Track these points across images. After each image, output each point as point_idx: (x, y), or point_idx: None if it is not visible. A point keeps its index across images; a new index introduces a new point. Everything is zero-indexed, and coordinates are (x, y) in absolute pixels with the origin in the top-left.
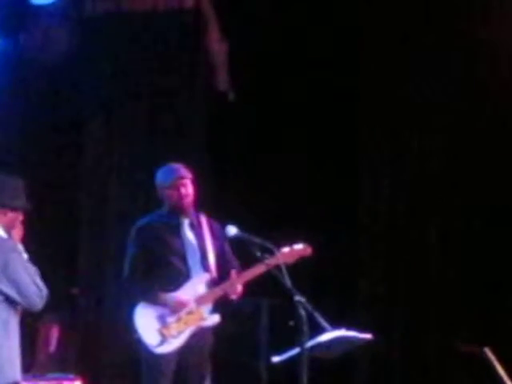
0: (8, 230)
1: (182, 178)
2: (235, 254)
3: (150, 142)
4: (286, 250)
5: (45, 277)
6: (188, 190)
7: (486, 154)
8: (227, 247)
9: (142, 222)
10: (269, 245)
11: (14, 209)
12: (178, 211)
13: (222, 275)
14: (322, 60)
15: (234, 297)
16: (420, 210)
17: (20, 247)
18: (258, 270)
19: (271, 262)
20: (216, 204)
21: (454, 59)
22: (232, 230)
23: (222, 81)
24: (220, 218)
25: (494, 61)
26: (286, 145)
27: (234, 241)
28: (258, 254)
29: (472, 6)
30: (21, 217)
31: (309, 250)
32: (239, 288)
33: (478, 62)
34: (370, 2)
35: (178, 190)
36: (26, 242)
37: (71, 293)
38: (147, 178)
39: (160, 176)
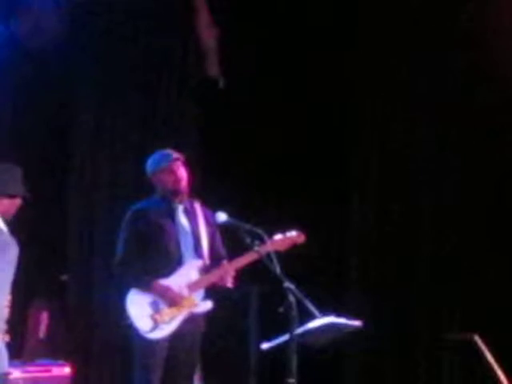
0: (6, 217)
1: (177, 159)
2: (225, 241)
3: (141, 130)
4: (278, 237)
5: (35, 263)
6: (182, 172)
7: (486, 152)
8: (218, 235)
9: (136, 206)
10: (259, 231)
11: (11, 196)
12: (172, 196)
13: (214, 262)
14: (318, 48)
15: (229, 285)
16: (412, 200)
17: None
18: (250, 257)
19: (263, 249)
20: (207, 194)
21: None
22: (222, 217)
23: (213, 67)
24: (208, 201)
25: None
26: (278, 133)
27: (223, 227)
28: (248, 240)
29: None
30: (18, 203)
31: (302, 238)
32: (232, 275)
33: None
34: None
35: (174, 172)
36: (17, 229)
37: (61, 279)
38: (138, 166)
39: (152, 162)
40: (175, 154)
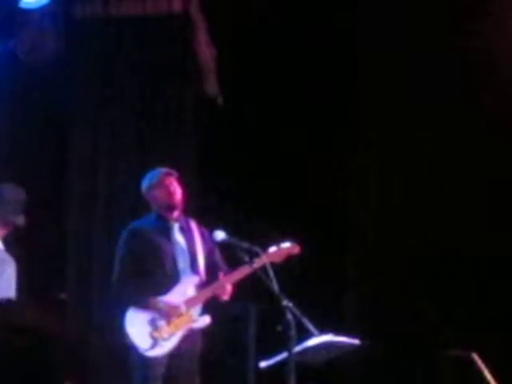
0: (1, 236)
1: (169, 175)
2: (223, 258)
3: (139, 146)
4: (273, 249)
5: (33, 281)
6: (176, 187)
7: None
8: (217, 252)
9: (132, 225)
10: (257, 249)
11: (15, 225)
12: (167, 213)
13: (212, 278)
14: (316, 62)
15: (225, 297)
16: (412, 206)
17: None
18: (245, 270)
19: (259, 262)
20: (203, 205)
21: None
22: (220, 235)
23: (211, 85)
24: (207, 219)
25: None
26: (275, 146)
27: (221, 245)
28: (246, 258)
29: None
30: (13, 226)
31: (297, 249)
32: (229, 288)
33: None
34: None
35: (166, 187)
36: (16, 246)
37: (60, 297)
38: (135, 182)
39: (146, 179)
40: (167, 170)
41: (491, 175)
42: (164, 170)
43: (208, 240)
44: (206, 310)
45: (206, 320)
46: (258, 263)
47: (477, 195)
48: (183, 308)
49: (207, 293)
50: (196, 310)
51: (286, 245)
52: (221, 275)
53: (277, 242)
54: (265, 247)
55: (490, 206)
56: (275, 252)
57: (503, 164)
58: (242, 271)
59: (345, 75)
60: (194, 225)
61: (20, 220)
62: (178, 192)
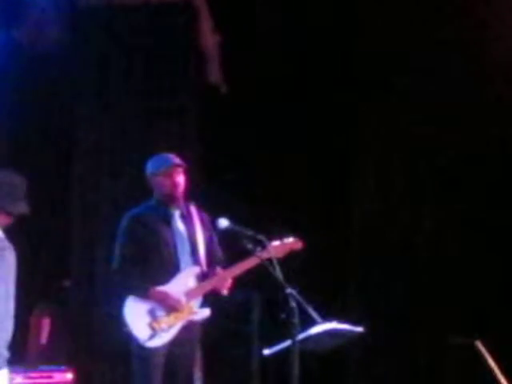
0: (3, 225)
1: (177, 165)
2: (225, 246)
3: (142, 136)
4: (276, 243)
5: (37, 269)
6: (181, 179)
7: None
8: (214, 238)
9: (132, 212)
10: (261, 237)
11: (8, 213)
12: (168, 201)
13: (210, 268)
14: (317, 53)
15: (224, 292)
16: (414, 200)
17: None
18: (248, 263)
19: (262, 255)
20: (207, 196)
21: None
22: (223, 223)
23: (215, 73)
24: (210, 210)
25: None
26: (279, 139)
27: (225, 233)
28: (250, 246)
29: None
30: (16, 216)
31: (299, 244)
32: (229, 282)
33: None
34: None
35: (172, 177)
36: (19, 234)
37: (63, 285)
38: (140, 171)
39: (152, 164)
40: (177, 160)
41: (492, 171)
42: (174, 159)
43: (208, 227)
44: (206, 301)
45: (205, 312)
46: (261, 256)
47: (477, 194)
48: (184, 299)
49: (207, 286)
50: (196, 302)
51: (289, 240)
52: (219, 269)
53: (279, 236)
54: (269, 240)
55: (490, 198)
56: (278, 246)
57: (504, 162)
58: (246, 264)
59: (346, 72)
60: (194, 211)
61: (20, 207)
62: (181, 184)
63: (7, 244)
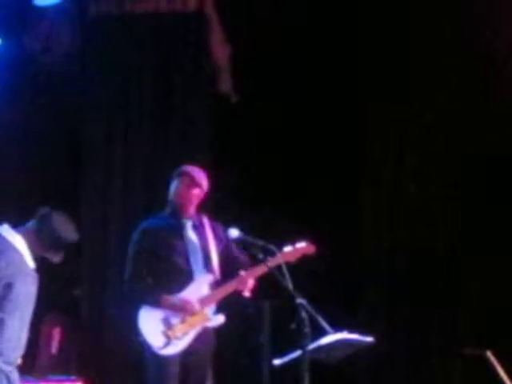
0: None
1: (185, 175)
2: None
3: (153, 145)
4: (288, 248)
5: (48, 278)
6: (194, 197)
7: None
8: (233, 245)
9: (144, 224)
10: (271, 247)
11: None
12: (180, 212)
13: (226, 276)
14: (323, 61)
15: (246, 293)
16: (428, 203)
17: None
18: (260, 270)
19: (273, 261)
20: (216, 204)
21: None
22: (234, 233)
23: (225, 83)
24: (220, 218)
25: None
26: (290, 147)
27: (235, 243)
28: (261, 256)
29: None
30: None
31: (312, 248)
32: (250, 283)
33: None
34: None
35: (191, 194)
36: None
37: (74, 294)
38: (150, 179)
39: (181, 171)
40: (203, 182)
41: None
42: (202, 180)
43: (221, 235)
44: (220, 308)
45: (220, 319)
46: (272, 262)
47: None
48: (197, 306)
49: (224, 290)
50: (210, 309)
51: (302, 244)
52: (242, 272)
53: (292, 241)
54: (280, 246)
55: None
56: (290, 252)
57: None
58: (257, 270)
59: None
60: (206, 221)
61: (57, 257)
62: (195, 205)
63: (33, 273)
